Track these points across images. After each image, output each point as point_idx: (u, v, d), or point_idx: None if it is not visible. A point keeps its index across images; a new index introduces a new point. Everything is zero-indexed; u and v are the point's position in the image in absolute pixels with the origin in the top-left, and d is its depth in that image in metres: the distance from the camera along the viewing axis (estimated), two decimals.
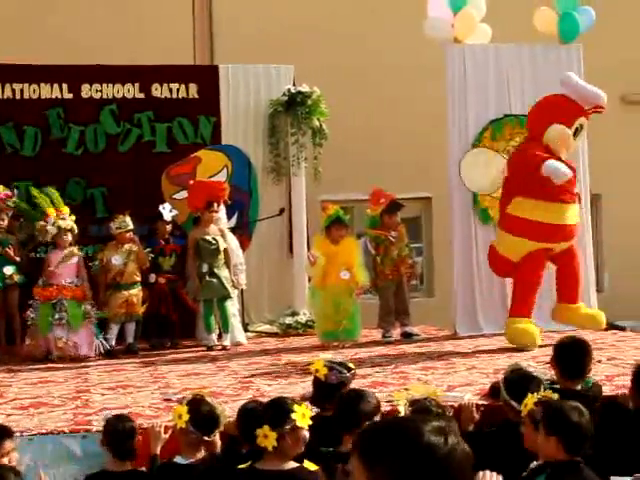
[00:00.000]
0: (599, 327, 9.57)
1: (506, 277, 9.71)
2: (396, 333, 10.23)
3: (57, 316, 9.28)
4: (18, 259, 9.85)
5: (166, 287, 10.18)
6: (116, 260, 9.73)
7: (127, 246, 9.83)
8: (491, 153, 10.11)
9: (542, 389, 5.30)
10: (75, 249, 9.68)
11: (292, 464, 4.54)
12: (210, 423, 5.07)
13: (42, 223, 9.57)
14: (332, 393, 5.44)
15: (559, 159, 8.85)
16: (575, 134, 9.19)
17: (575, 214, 9.21)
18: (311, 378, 6.89)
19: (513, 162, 9.29)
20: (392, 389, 6.63)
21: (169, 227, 10.31)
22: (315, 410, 5.41)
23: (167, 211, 10.27)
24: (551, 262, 9.32)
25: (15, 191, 10.20)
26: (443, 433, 2.30)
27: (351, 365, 5.85)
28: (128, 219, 9.88)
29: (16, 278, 9.84)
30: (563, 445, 4.47)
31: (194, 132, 11.49)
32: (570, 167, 8.96)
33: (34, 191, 9.99)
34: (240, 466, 4.60)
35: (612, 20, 13.74)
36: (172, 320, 10.25)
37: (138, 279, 9.91)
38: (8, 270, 9.84)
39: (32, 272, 9.77)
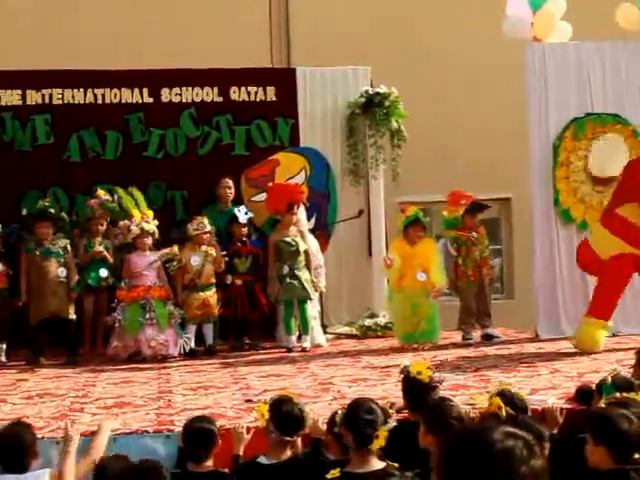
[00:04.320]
0: None
1: (591, 274, 9.49)
2: (476, 335, 10.14)
3: (147, 316, 9.40)
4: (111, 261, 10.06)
5: (243, 288, 10.24)
6: (195, 261, 9.81)
7: (204, 247, 9.90)
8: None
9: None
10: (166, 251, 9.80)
11: (380, 463, 4.56)
12: (291, 424, 5.07)
13: (126, 222, 9.69)
14: (424, 396, 5.38)
15: None
16: None
17: None
18: (391, 380, 6.92)
19: (633, 169, 9.11)
20: (473, 392, 6.56)
21: (245, 229, 10.38)
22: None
23: (242, 213, 10.34)
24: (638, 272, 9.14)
25: (115, 196, 10.32)
26: (526, 447, 2.26)
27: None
28: (206, 220, 9.97)
29: (110, 281, 10.00)
30: (612, 454, 4.37)
31: (272, 135, 11.53)
32: None
33: (120, 192, 10.13)
34: (332, 472, 4.53)
35: None
36: (249, 321, 10.33)
37: (214, 281, 9.99)
38: (104, 272, 10.02)
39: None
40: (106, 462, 4.80)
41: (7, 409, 6.66)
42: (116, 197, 10.27)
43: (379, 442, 4.59)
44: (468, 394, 6.44)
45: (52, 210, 9.78)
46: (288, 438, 5.05)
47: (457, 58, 14.45)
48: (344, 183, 11.56)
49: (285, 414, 5.07)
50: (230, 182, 10.81)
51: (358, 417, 4.71)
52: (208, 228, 9.96)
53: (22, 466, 4.93)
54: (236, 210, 10.37)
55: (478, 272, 10.11)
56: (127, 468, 4.60)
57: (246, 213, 10.37)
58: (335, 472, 4.43)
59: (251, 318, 10.29)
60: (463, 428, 3.15)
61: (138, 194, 10.06)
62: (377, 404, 4.88)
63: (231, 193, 10.84)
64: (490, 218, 14.23)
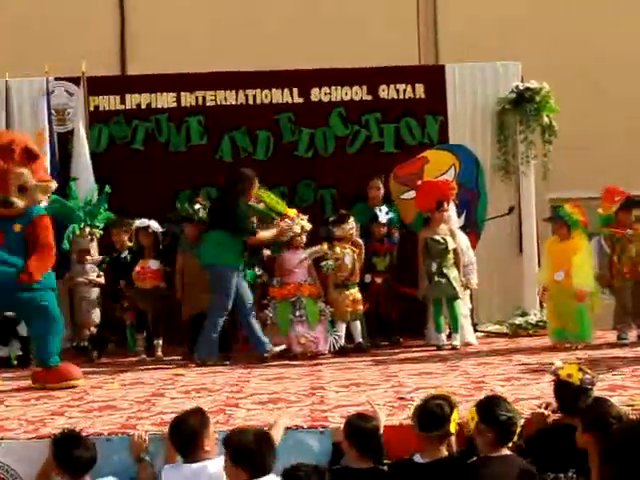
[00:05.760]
0: None
1: None
2: (633, 335, 9.86)
3: (297, 313, 9.55)
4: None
5: (383, 286, 10.32)
6: (349, 260, 9.89)
7: (352, 246, 9.98)
8: None
9: None
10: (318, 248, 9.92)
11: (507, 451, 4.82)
12: (432, 421, 5.09)
13: (288, 222, 9.79)
14: (575, 399, 5.29)
15: None
16: None
17: None
18: (545, 380, 6.81)
19: None
20: (632, 392, 6.40)
21: (384, 229, 10.41)
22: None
23: (383, 213, 10.38)
24: None
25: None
26: None
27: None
28: (351, 219, 10.04)
29: (264, 278, 10.18)
30: None
31: (421, 132, 11.52)
32: None
33: (262, 192, 10.26)
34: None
35: None
36: (392, 319, 10.40)
37: (358, 279, 10.06)
38: (259, 270, 10.21)
39: None
40: None
41: (166, 403, 6.85)
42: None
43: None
44: (627, 395, 6.28)
45: (197, 214, 9.91)
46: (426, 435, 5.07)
47: (606, 54, 14.12)
48: (494, 180, 11.43)
49: (426, 410, 5.12)
50: (379, 183, 10.85)
51: (500, 415, 4.83)
52: (352, 225, 10.07)
53: (194, 452, 5.11)
54: (377, 210, 10.43)
55: (634, 270, 9.82)
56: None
57: (387, 213, 10.41)
58: None
59: (392, 315, 10.38)
60: (629, 426, 3.10)
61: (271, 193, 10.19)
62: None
63: (380, 193, 10.87)
64: None
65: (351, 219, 10.10)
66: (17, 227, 7.69)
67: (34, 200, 7.80)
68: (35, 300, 7.71)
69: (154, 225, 9.95)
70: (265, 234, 9.60)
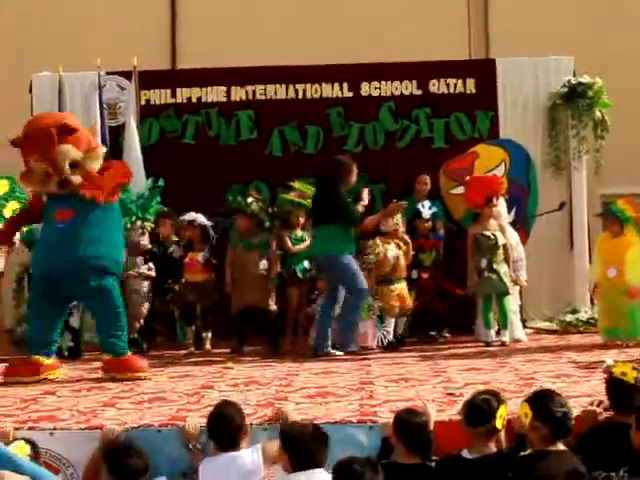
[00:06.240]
0: None
1: None
2: None
3: None
4: None
5: (430, 282, 10.33)
6: (391, 255, 9.87)
7: (398, 241, 9.96)
8: None
9: None
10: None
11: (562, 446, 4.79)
12: (478, 415, 5.09)
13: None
14: (629, 398, 5.24)
15: None
16: None
17: None
18: (596, 377, 6.75)
19: None
20: None
21: (428, 224, 10.39)
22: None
23: (426, 209, 10.34)
24: None
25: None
26: None
27: None
28: (399, 215, 10.03)
29: (313, 272, 10.21)
30: None
31: (471, 127, 11.47)
32: None
33: (307, 187, 10.25)
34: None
35: None
36: (439, 314, 10.42)
37: (405, 274, 10.04)
38: (308, 264, 10.24)
39: None
40: None
41: (215, 395, 6.89)
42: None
43: None
44: None
45: (249, 206, 9.96)
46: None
47: None
48: (545, 175, 11.34)
49: (473, 405, 5.12)
50: (427, 178, 10.82)
51: (555, 411, 4.81)
52: (399, 221, 10.05)
53: (234, 445, 5.13)
54: (419, 205, 10.40)
55: None
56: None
57: (430, 208, 10.38)
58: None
59: (438, 311, 10.40)
60: None
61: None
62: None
63: (426, 189, 10.83)
64: None
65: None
66: (87, 193, 7.74)
67: (90, 170, 7.83)
68: (103, 289, 7.80)
69: (200, 218, 10.00)
70: (371, 218, 9.56)
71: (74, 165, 7.72)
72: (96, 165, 7.93)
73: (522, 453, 4.87)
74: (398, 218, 10.00)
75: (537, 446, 4.87)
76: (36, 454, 5.05)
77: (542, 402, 4.93)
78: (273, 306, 9.85)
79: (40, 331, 7.92)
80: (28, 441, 5.11)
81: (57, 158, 7.64)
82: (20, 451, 4.72)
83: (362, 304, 9.28)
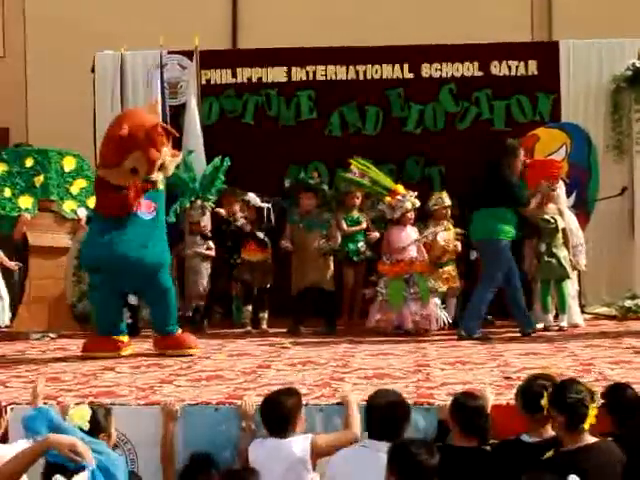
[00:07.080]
0: None
1: None
2: None
3: (411, 290, 9.53)
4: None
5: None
6: (441, 238, 9.86)
7: (444, 222, 9.93)
8: None
9: None
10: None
11: (592, 439, 4.80)
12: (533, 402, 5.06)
13: (399, 198, 9.77)
14: None
15: None
16: None
17: None
18: None
19: None
20: None
21: None
22: None
23: None
24: None
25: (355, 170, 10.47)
26: None
27: None
28: (445, 195, 10.01)
29: (368, 254, 10.20)
30: None
31: (532, 110, 11.32)
32: None
33: (368, 167, 10.21)
34: (548, 453, 4.78)
35: None
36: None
37: (454, 257, 10.03)
38: (363, 246, 10.23)
39: None
40: None
41: (272, 374, 6.94)
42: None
43: (590, 420, 4.73)
44: None
45: (313, 181, 10.07)
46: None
47: None
48: (606, 159, 11.17)
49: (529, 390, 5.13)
50: None
51: (569, 398, 4.75)
52: (447, 202, 10.06)
53: (284, 431, 5.15)
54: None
55: None
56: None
57: None
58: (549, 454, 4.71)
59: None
60: None
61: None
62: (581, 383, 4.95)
63: None
64: None
65: (439, 195, 10.15)
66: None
67: (167, 173, 8.12)
68: (150, 272, 7.96)
69: (254, 199, 10.03)
70: (534, 201, 9.59)
71: (161, 167, 7.94)
72: (172, 170, 8.21)
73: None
74: (438, 198, 10.00)
75: (559, 435, 4.84)
76: (104, 420, 4.96)
77: (559, 391, 4.86)
78: (332, 287, 9.89)
79: (106, 316, 8.18)
80: (99, 406, 5.12)
81: (158, 158, 7.80)
82: (78, 415, 4.73)
83: (486, 295, 9.24)
